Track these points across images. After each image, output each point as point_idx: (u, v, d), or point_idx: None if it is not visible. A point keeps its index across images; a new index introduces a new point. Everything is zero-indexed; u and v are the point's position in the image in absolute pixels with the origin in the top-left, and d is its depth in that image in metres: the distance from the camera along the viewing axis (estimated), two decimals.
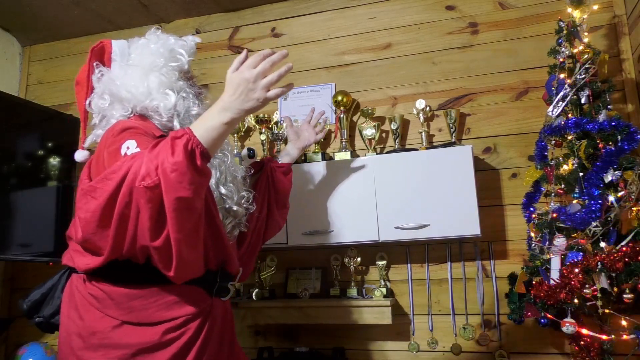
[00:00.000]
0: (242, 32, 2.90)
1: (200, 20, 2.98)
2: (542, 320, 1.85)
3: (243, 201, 1.55)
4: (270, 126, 2.62)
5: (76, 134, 2.80)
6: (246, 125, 2.74)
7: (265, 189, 1.82)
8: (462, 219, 2.10)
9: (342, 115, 2.50)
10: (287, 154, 2.01)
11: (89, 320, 1.30)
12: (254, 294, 2.37)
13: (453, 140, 2.33)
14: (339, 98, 2.50)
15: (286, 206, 1.94)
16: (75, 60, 3.16)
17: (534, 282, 1.86)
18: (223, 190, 1.46)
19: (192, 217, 1.15)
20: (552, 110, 1.95)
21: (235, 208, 1.50)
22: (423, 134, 2.38)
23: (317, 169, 2.34)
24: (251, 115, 2.66)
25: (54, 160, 2.70)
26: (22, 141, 2.61)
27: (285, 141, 2.54)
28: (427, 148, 2.32)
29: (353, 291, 2.32)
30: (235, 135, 2.70)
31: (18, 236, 2.53)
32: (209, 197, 1.33)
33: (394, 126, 2.43)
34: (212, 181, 1.42)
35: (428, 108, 2.44)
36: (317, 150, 2.49)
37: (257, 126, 2.64)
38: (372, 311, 2.22)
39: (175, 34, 2.98)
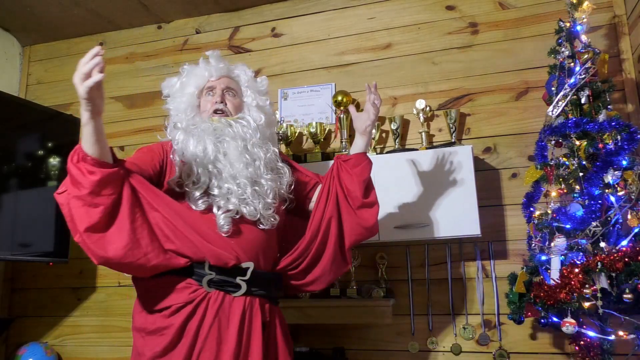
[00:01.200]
0: (242, 32, 2.90)
1: (200, 20, 2.98)
2: (542, 320, 1.85)
3: (242, 199, 1.54)
4: None
5: (76, 133, 2.81)
6: None
7: (328, 188, 1.71)
8: (462, 219, 2.10)
9: (342, 115, 2.50)
10: (354, 145, 1.78)
11: (134, 308, 1.59)
12: None
13: (453, 140, 2.34)
14: (339, 98, 2.50)
15: (366, 203, 1.68)
16: (75, 60, 3.12)
17: (534, 282, 1.86)
18: (215, 191, 1.53)
19: (94, 213, 1.31)
20: (552, 110, 1.95)
21: (227, 204, 1.52)
22: (423, 134, 2.38)
23: (317, 169, 2.33)
24: None
25: (54, 160, 2.70)
26: (22, 141, 2.62)
27: (286, 141, 2.55)
28: (427, 148, 2.32)
29: (353, 291, 2.32)
30: None
31: (18, 236, 2.53)
32: (145, 195, 1.44)
33: (394, 126, 2.43)
34: (205, 181, 1.55)
35: (428, 108, 2.44)
36: (317, 150, 2.49)
37: None
38: (372, 311, 2.22)
39: (175, 34, 3.02)
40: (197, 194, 1.54)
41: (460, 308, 2.32)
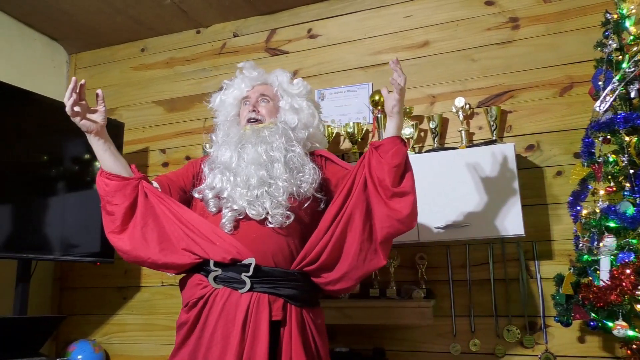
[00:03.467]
0: (278, 34, 2.92)
1: (238, 24, 3.02)
2: (592, 323, 1.79)
3: (249, 201, 1.60)
4: None
5: (120, 137, 2.90)
6: None
7: (354, 178, 1.61)
8: (504, 218, 2.06)
9: (379, 115, 2.48)
10: (385, 130, 1.66)
11: None
12: None
13: (494, 138, 2.29)
14: (376, 98, 2.48)
15: (397, 192, 1.54)
16: (119, 66, 3.27)
17: (582, 284, 1.80)
18: (225, 194, 1.63)
19: (112, 221, 1.60)
20: (600, 106, 1.88)
21: (232, 205, 1.60)
22: (463, 132, 2.34)
23: None
24: None
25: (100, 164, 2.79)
26: (69, 145, 2.72)
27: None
28: (467, 146, 2.28)
29: (393, 292, 2.30)
30: None
31: (66, 237, 2.63)
32: (158, 204, 1.61)
33: (432, 125, 2.40)
34: (218, 185, 1.66)
35: (467, 106, 2.39)
36: (354, 150, 2.48)
37: None
38: (413, 312, 2.19)
39: (213, 39, 3.07)
40: (210, 195, 1.65)
41: (504, 310, 2.27)
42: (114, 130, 2.86)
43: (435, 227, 2.14)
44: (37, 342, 2.44)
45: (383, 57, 2.68)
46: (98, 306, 2.99)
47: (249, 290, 1.53)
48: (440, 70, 2.56)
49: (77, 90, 1.56)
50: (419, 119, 2.50)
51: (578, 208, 1.97)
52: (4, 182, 2.41)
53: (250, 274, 1.53)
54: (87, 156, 2.77)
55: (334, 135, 2.60)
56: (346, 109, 2.67)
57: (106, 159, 1.65)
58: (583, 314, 1.78)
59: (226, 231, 1.59)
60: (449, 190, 2.14)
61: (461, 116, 2.37)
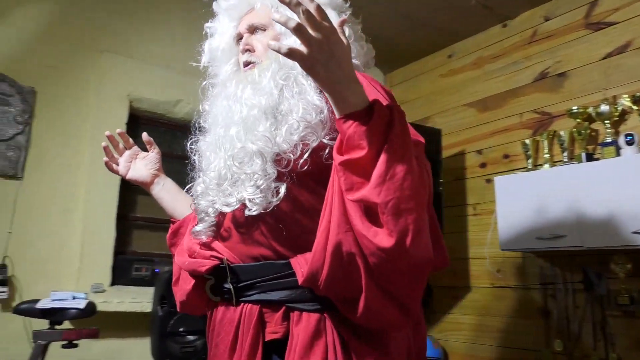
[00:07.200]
0: (600, 5, 2.55)
1: (548, 6, 2.78)
2: None
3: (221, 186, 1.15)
4: None
5: (438, 143, 3.04)
6: (620, 108, 2.36)
7: (331, 196, 1.02)
8: None
9: None
10: None
11: None
12: None
13: None
14: None
15: (360, 200, 0.93)
16: (428, 77, 3.44)
17: None
18: (198, 189, 1.21)
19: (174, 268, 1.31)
20: None
21: (199, 200, 1.20)
22: None
23: None
24: (626, 94, 2.31)
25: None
26: None
27: None
28: None
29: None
30: (608, 121, 2.36)
31: None
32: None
33: None
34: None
35: None
36: None
37: (635, 107, 2.25)
38: None
39: (521, 29, 2.92)
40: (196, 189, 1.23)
41: None
42: (431, 137, 3.02)
43: None
44: None
45: None
46: (433, 304, 3.15)
47: (239, 302, 1.12)
48: None
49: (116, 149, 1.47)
50: None
51: None
52: None
53: (230, 278, 1.13)
54: None
55: None
56: None
57: (166, 204, 1.44)
58: None
59: (202, 241, 1.21)
60: None
61: None
